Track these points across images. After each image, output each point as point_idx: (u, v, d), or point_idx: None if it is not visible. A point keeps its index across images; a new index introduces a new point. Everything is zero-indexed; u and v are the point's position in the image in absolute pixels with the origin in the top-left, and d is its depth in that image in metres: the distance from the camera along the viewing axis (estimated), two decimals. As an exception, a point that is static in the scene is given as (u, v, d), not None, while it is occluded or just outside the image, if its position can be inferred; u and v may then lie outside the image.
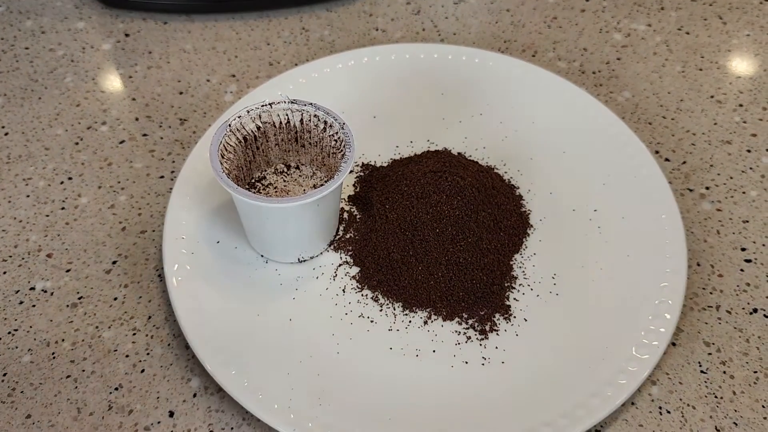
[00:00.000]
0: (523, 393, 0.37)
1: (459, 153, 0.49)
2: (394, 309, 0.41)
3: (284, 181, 0.44)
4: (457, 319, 0.41)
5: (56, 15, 0.55)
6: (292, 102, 0.42)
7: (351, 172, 0.48)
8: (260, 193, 0.43)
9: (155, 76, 0.52)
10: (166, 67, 0.53)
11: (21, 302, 0.42)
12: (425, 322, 0.41)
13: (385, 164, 0.48)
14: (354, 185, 0.47)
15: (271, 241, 0.41)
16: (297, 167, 0.45)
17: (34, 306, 0.42)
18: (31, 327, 0.41)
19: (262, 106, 0.42)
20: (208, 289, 0.41)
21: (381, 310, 0.41)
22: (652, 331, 0.39)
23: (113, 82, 0.53)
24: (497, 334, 0.40)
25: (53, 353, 0.40)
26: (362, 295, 0.42)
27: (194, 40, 0.55)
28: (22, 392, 0.38)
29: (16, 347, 0.40)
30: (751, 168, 0.47)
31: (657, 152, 0.50)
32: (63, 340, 0.40)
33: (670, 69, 0.53)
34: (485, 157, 0.49)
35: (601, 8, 0.56)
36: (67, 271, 0.43)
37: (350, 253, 0.43)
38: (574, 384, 0.38)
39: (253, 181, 0.44)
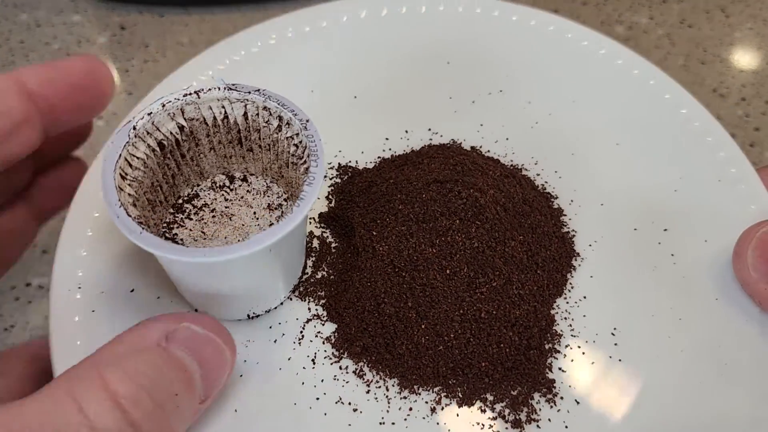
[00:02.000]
0: None
1: (472, 147, 0.36)
2: (387, 389, 0.28)
3: (226, 199, 0.31)
4: (478, 403, 0.28)
5: (52, 8, 0.56)
6: (229, 89, 0.28)
7: (324, 177, 0.34)
8: (191, 217, 0.30)
9: (152, 70, 0.52)
10: (162, 61, 0.53)
11: (17, 298, 0.40)
12: (433, 410, 0.28)
13: (370, 165, 0.35)
14: (327, 197, 0.34)
15: (208, 295, 0.28)
16: (244, 179, 0.31)
17: (30, 302, 0.40)
18: (27, 323, 0.40)
19: (185, 96, 0.28)
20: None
21: (368, 392, 0.28)
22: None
23: (109, 76, 0.51)
24: (538, 426, 0.28)
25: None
26: (340, 367, 0.29)
27: (191, 33, 0.54)
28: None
29: (13, 343, 0.39)
30: (754, 163, 0.42)
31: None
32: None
33: (673, 62, 0.51)
34: (508, 152, 0.36)
35: (602, 1, 0.56)
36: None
37: (323, 301, 0.31)
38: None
39: (180, 202, 0.30)
